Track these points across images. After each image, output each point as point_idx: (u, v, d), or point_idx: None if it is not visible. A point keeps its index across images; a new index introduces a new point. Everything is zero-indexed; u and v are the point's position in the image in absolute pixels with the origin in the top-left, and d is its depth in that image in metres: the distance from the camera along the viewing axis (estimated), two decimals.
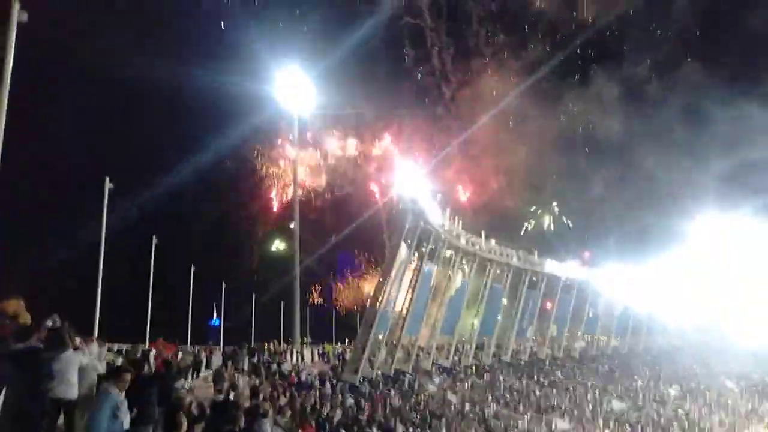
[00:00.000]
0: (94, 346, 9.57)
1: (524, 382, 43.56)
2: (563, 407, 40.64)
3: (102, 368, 8.58)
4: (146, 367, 9.99)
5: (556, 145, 74.33)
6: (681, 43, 77.67)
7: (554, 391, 43.51)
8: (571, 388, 45.25)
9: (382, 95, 65.76)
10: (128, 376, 6.89)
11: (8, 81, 8.47)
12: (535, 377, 45.30)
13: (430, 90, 76.75)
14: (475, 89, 74.76)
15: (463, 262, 42.54)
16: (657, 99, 76.39)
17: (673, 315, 62.78)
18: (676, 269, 59.57)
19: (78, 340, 9.38)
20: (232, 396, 14.07)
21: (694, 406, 46.58)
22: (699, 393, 51.07)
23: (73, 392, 7.95)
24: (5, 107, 8.39)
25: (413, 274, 35.30)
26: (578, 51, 78.22)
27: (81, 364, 8.45)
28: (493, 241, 45.29)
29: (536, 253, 50.57)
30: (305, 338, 52.60)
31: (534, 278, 49.36)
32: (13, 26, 8.31)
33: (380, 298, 30.87)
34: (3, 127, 8.30)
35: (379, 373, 33.44)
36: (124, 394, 6.76)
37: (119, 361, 11.06)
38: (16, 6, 8.35)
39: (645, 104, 76.72)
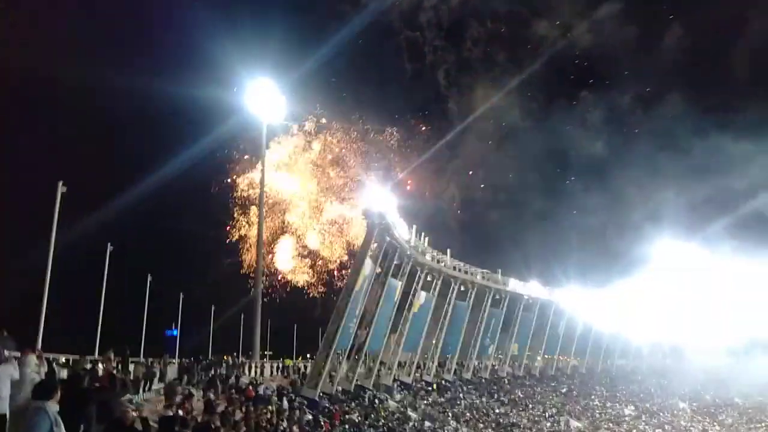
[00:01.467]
0: (32, 358, 9.06)
1: (484, 399, 43.70)
2: (522, 425, 40.91)
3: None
4: (87, 381, 9.51)
5: (534, 162, 75.99)
6: (666, 76, 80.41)
7: (514, 409, 43.81)
8: (530, 407, 45.66)
9: (363, 105, 66.04)
10: (58, 391, 6.50)
11: None
12: (496, 395, 45.51)
13: (416, 100, 77.35)
14: (464, 102, 75.80)
15: (428, 278, 42.59)
16: (636, 126, 79.01)
17: (633, 336, 64.24)
18: (636, 292, 60.95)
19: (6, 352, 8.89)
20: (182, 412, 13.56)
21: (647, 427, 47.64)
22: (653, 413, 52.25)
23: (3, 407, 7.51)
24: None
25: (377, 289, 35.13)
26: (569, 75, 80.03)
27: (12, 377, 7.99)
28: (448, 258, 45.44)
29: (500, 271, 51.10)
30: (265, 352, 51.63)
31: (497, 296, 49.79)
32: None
33: (343, 313, 30.57)
34: None
35: (339, 388, 33.03)
36: (57, 409, 6.37)
37: (64, 373, 10.54)
38: None
39: (624, 130, 79.00)
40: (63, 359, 15.10)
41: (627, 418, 49.23)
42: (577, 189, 77.59)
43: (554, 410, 46.22)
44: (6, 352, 8.27)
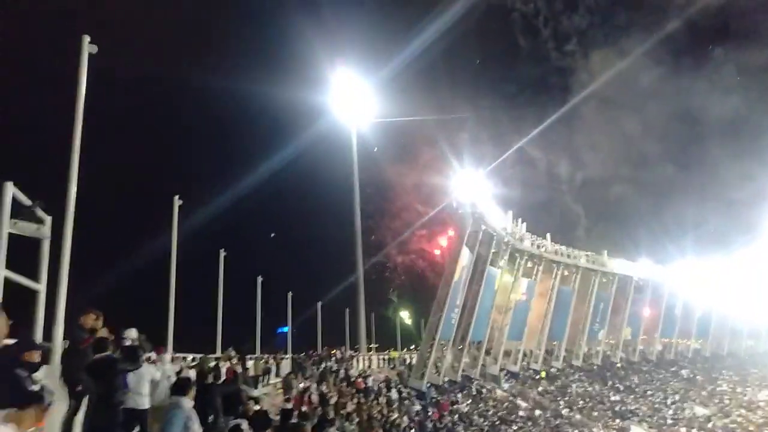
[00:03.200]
0: (167, 357, 10.01)
1: (597, 387, 41.96)
2: (641, 413, 38.83)
3: (173, 379, 8.94)
4: (211, 378, 10.31)
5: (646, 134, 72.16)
6: None
7: (630, 396, 41.68)
8: (649, 393, 43.19)
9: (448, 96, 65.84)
10: (192, 388, 7.15)
11: (81, 109, 9.06)
12: (609, 382, 43.51)
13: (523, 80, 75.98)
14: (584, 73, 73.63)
15: (529, 264, 41.51)
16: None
17: (761, 315, 58.46)
18: (759, 264, 55.46)
19: (153, 354, 9.86)
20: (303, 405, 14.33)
21: None
22: None
23: (145, 402, 8.37)
24: (79, 134, 8.99)
25: (477, 279, 34.82)
26: (699, 33, 74.32)
27: (154, 377, 8.88)
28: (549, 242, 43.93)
29: (606, 253, 48.65)
30: (371, 344, 52.87)
31: (604, 279, 47.48)
32: (84, 58, 8.93)
33: (443, 304, 30.66)
34: (78, 152, 8.89)
35: (446, 379, 33.17)
36: (192, 404, 7.01)
37: (191, 372, 11.53)
38: (86, 40, 8.96)
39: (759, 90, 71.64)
40: (190, 358, 16.48)
41: (762, 404, 45.06)
42: (700, 156, 72.14)
43: (677, 397, 43.39)
44: (146, 354, 9.16)
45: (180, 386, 7.25)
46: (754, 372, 53.14)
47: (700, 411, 41.61)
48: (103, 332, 8.76)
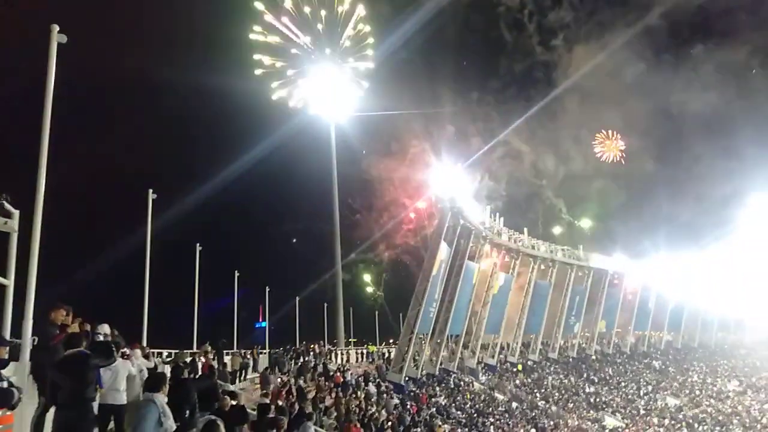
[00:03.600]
0: (138, 352, 9.87)
1: (573, 379, 42.64)
2: (615, 404, 39.59)
3: (145, 375, 8.81)
4: (187, 373, 10.19)
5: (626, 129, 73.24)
6: None
7: (605, 388, 42.45)
8: (623, 385, 44.04)
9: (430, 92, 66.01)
10: (166, 383, 7.05)
11: (50, 100, 8.82)
12: (585, 374, 44.26)
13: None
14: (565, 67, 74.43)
15: (506, 258, 41.92)
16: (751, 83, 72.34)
17: (732, 307, 59.99)
18: (734, 258, 56.83)
19: (126, 349, 9.70)
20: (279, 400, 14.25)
21: (753, 402, 44.62)
22: (759, 388, 48.86)
23: (122, 398, 8.24)
24: (48, 125, 8.76)
25: (455, 273, 35.01)
26: (680, 30, 75.10)
27: (130, 372, 8.74)
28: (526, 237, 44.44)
29: (581, 247, 49.41)
30: (349, 338, 53.04)
31: (580, 273, 48.20)
32: (53, 48, 8.68)
33: (422, 298, 30.76)
34: (47, 144, 8.66)
35: (424, 372, 33.36)
36: (165, 400, 6.90)
37: (166, 367, 11.39)
38: (55, 29, 8.72)
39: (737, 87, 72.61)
40: (165, 354, 16.30)
41: (731, 394, 46.32)
42: (677, 152, 73.54)
43: (649, 388, 44.36)
44: (121, 350, 9.01)
45: (153, 382, 7.12)
46: (724, 363, 54.62)
47: (672, 401, 42.61)
48: (74, 328, 8.59)
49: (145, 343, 16.35)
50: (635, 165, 77.17)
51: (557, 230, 74.34)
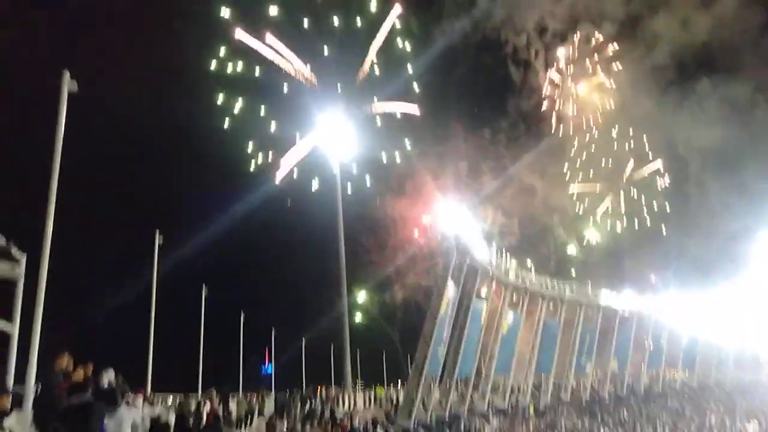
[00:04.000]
0: (139, 401, 9.66)
1: (587, 422, 41.42)
2: None
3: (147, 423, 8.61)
4: (194, 421, 9.93)
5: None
6: None
7: (620, 430, 41.18)
8: (638, 428, 42.70)
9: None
10: None
11: (60, 147, 8.93)
12: (599, 416, 43.01)
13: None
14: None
15: (515, 297, 41.39)
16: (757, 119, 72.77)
17: (746, 344, 58.76)
18: (744, 295, 56.02)
19: (131, 396, 9.51)
20: None
21: None
22: None
23: None
24: (57, 169, 8.82)
25: (463, 312, 34.51)
26: (685, 66, 76.25)
27: (134, 421, 8.54)
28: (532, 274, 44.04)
29: (590, 283, 48.82)
30: (357, 380, 52.01)
31: (590, 311, 47.45)
32: (64, 96, 8.84)
33: (429, 339, 30.22)
34: (55, 188, 8.71)
35: (434, 416, 32.48)
36: None
37: (171, 415, 11.11)
38: (66, 75, 8.90)
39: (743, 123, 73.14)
40: (170, 400, 15.94)
41: None
42: (686, 187, 73.74)
43: (666, 430, 42.98)
44: (131, 395, 8.84)
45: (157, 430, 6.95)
46: (742, 402, 53.02)
47: None
48: (78, 376, 8.43)
49: (149, 388, 16.05)
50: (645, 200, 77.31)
51: (568, 267, 73.87)
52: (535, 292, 42.61)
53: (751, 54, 71.43)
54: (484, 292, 36.94)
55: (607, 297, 48.99)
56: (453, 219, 33.28)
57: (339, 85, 58.66)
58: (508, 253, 41.06)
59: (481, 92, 74.37)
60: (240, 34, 54.92)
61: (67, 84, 8.86)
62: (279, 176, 56.88)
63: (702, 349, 55.39)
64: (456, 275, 33.07)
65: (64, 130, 8.80)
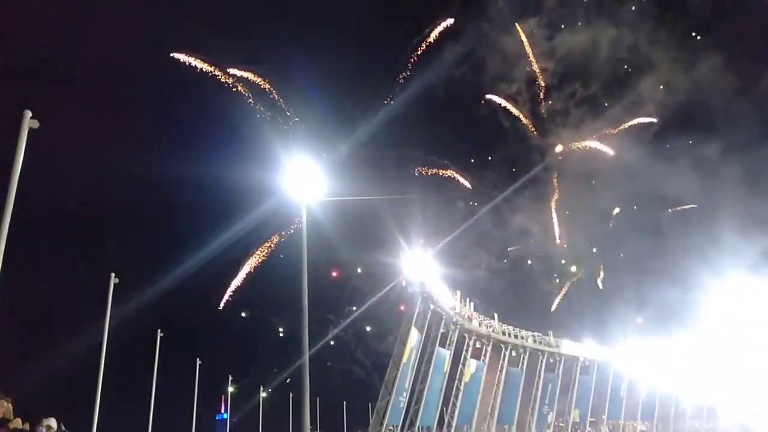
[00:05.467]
0: None
1: None
2: None
3: None
4: None
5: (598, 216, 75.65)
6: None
7: None
8: None
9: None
10: None
11: (16, 181, 8.78)
12: None
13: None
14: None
15: (477, 345, 41.38)
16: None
17: (705, 394, 59.70)
18: (700, 346, 57.28)
19: None
20: None
21: None
22: None
23: None
24: (11, 208, 8.64)
25: (426, 360, 34.27)
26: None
27: None
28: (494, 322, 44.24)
29: (551, 333, 49.28)
30: (316, 430, 50.40)
31: (551, 360, 47.73)
32: (24, 133, 8.76)
33: (392, 387, 29.84)
34: (7, 227, 8.50)
35: None
36: None
37: None
38: (28, 115, 8.84)
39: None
40: None
41: None
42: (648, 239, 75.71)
43: None
44: None
45: None
46: None
47: None
48: (16, 423, 8.04)
49: None
50: (606, 251, 79.17)
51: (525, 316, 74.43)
52: (498, 340, 42.74)
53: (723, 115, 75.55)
54: (447, 340, 36.86)
55: (568, 346, 49.45)
56: (417, 266, 33.54)
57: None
58: (470, 301, 41.32)
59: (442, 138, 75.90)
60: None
61: (28, 122, 8.80)
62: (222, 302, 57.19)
63: (660, 400, 56.02)
64: (419, 322, 33.03)
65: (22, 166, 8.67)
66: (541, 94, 77.55)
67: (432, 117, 72.10)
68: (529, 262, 79.63)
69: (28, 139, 8.83)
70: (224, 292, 57.45)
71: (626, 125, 75.40)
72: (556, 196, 77.45)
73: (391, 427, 31.53)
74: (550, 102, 78.99)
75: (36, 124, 8.91)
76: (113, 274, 18.34)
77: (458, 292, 40.06)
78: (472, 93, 75.54)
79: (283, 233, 59.29)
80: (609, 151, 76.42)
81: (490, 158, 78.32)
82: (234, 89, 59.15)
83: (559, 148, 77.31)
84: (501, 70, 75.23)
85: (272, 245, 59.86)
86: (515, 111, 76.45)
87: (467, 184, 73.80)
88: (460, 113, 75.75)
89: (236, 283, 59.04)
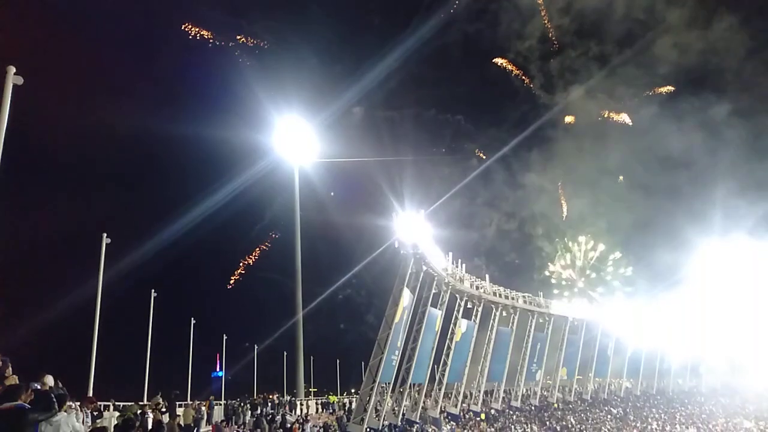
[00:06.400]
0: (73, 414, 9.28)
1: (536, 428, 42.30)
2: None
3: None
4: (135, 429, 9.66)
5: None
6: None
7: None
8: None
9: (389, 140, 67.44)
10: None
11: (2, 139, 8.60)
12: (547, 422, 44.01)
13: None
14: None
15: (469, 305, 41.98)
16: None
17: (689, 353, 61.27)
18: (685, 307, 58.42)
19: (71, 403, 9.17)
20: None
21: None
22: None
23: None
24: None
25: (418, 320, 34.78)
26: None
27: (74, 427, 8.20)
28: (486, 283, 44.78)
29: (541, 294, 50.04)
30: (310, 389, 51.61)
31: (541, 320, 48.61)
32: (8, 89, 8.53)
33: (384, 346, 30.33)
34: None
35: (386, 422, 32.54)
36: None
37: (112, 423, 10.73)
38: (12, 71, 8.60)
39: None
40: (112, 406, 15.39)
41: None
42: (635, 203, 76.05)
43: None
44: (67, 403, 8.50)
45: None
46: (681, 409, 55.26)
47: None
48: (12, 380, 8.11)
49: (91, 394, 15.49)
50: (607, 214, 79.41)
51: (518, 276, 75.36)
52: (488, 301, 43.37)
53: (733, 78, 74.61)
54: (439, 300, 37.33)
55: (557, 306, 50.31)
56: (410, 227, 33.60)
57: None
58: (462, 263, 41.66)
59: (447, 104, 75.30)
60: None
61: (12, 78, 8.57)
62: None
63: (645, 358, 57.46)
64: (411, 283, 33.37)
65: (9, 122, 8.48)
66: (554, 50, 76.32)
67: (444, 75, 70.99)
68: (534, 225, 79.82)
69: (13, 94, 8.61)
70: (223, 253, 57.71)
71: (644, 95, 74.12)
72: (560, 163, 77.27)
73: (384, 385, 32.22)
74: (561, 59, 77.84)
75: (20, 80, 8.69)
76: (104, 234, 18.25)
77: (450, 253, 40.37)
78: (485, 50, 74.37)
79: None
80: (625, 119, 75.87)
81: (498, 116, 77.50)
82: (224, 47, 57.87)
83: (569, 117, 76.60)
84: (515, 28, 73.79)
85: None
86: (519, 73, 75.59)
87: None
88: (471, 72, 74.54)
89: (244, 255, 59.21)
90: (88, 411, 11.04)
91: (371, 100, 65.56)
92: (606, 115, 75.78)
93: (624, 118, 76.22)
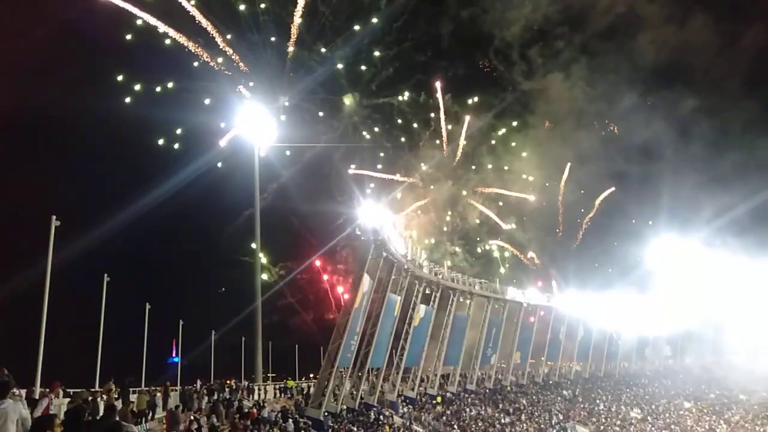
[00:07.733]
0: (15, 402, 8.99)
1: (490, 410, 43.51)
2: None
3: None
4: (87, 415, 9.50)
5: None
6: None
7: (520, 418, 43.63)
8: (536, 415, 45.46)
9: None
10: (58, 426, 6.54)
11: None
12: (501, 405, 45.32)
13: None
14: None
15: (427, 291, 42.62)
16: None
17: (634, 338, 64.15)
18: (635, 293, 61.03)
19: (16, 390, 8.94)
20: None
21: (653, 429, 47.47)
22: (658, 415, 52.14)
23: None
24: None
25: (377, 306, 35.10)
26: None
27: (22, 415, 8.00)
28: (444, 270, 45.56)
29: (497, 281, 51.23)
30: (268, 374, 51.35)
31: (496, 305, 49.78)
32: None
33: (343, 331, 30.55)
34: None
35: (344, 407, 32.88)
36: None
37: (63, 407, 10.51)
38: None
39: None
40: (62, 393, 15.00)
41: (633, 421, 49.05)
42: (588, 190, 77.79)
43: (560, 417, 46.07)
44: (12, 391, 8.28)
45: (39, 427, 6.59)
46: (627, 391, 57.88)
47: (581, 430, 44.45)
48: None
49: (38, 383, 15.11)
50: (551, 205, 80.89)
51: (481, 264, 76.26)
52: (446, 287, 44.11)
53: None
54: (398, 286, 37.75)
55: (512, 293, 51.63)
56: (370, 214, 33.76)
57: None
58: (422, 250, 42.22)
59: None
60: None
61: None
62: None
63: (594, 342, 59.78)
64: (372, 269, 33.62)
65: None
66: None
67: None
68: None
69: None
70: (179, 234, 56.52)
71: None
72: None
73: (342, 370, 32.47)
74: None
75: None
76: (54, 217, 17.66)
77: (410, 240, 40.80)
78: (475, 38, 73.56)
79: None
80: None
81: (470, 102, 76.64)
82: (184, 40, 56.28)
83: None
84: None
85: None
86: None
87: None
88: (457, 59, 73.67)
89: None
90: (53, 396, 10.76)
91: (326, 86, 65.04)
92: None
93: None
